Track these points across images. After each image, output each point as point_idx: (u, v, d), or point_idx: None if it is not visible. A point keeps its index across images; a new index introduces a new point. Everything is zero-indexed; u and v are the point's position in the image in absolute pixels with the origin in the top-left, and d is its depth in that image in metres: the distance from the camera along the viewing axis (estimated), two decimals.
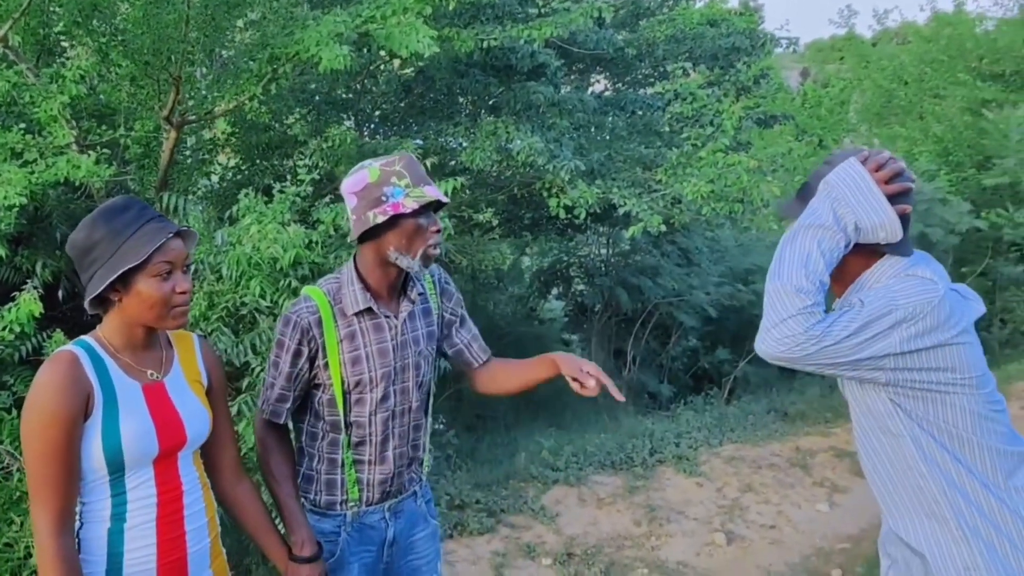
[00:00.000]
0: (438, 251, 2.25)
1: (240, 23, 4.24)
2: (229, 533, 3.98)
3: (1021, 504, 1.81)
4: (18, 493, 3.36)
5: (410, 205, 2.12)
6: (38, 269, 4.14)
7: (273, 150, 5.25)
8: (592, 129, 5.58)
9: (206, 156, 5.12)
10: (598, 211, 4.96)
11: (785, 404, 7.64)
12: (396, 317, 2.28)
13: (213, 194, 5.10)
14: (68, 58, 4.00)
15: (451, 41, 4.07)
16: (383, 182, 2.15)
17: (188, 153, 5.39)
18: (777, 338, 1.75)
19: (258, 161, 5.33)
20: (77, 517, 1.85)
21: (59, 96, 3.56)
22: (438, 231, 2.22)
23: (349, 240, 2.26)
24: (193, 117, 4.53)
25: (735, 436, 6.73)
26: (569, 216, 4.94)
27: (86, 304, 1.90)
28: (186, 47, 4.07)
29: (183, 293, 1.88)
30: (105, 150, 3.80)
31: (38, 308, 2.96)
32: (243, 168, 5.34)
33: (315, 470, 2.34)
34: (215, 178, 5.39)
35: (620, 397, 2.24)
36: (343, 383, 2.23)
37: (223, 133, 5.52)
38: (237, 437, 3.65)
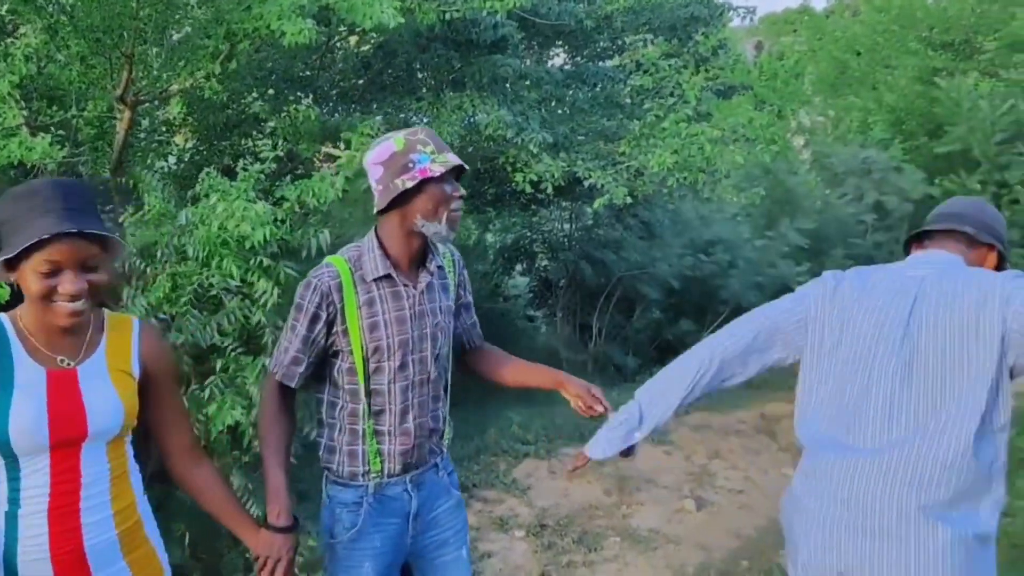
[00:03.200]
0: (459, 214, 2.30)
1: (194, 2, 4.13)
2: (198, 518, 3.96)
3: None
4: None
5: (437, 170, 2.18)
6: None
7: (231, 130, 5.15)
8: (553, 103, 5.57)
9: (162, 137, 5.02)
10: (562, 185, 4.97)
11: None
12: (415, 287, 2.31)
13: (171, 175, 5.00)
14: (17, 37, 3.87)
15: (412, 13, 4.03)
16: (409, 150, 2.21)
17: (143, 135, 5.27)
18: None
19: (215, 142, 5.23)
20: None
21: (8, 76, 3.45)
22: (461, 196, 2.28)
23: (375, 211, 2.28)
24: (147, 96, 4.43)
25: (701, 404, 6.81)
26: (533, 191, 4.94)
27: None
28: (138, 24, 3.97)
29: (68, 294, 1.78)
30: (60, 131, 3.70)
31: (3, 295, 2.89)
32: (201, 149, 5.23)
33: (336, 441, 2.34)
34: (172, 159, 5.28)
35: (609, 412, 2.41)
36: (363, 349, 2.25)
37: (179, 114, 5.40)
38: (193, 419, 3.62)
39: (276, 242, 3.41)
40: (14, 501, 1.79)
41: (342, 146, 3.70)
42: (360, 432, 2.30)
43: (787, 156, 9.87)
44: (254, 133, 5.26)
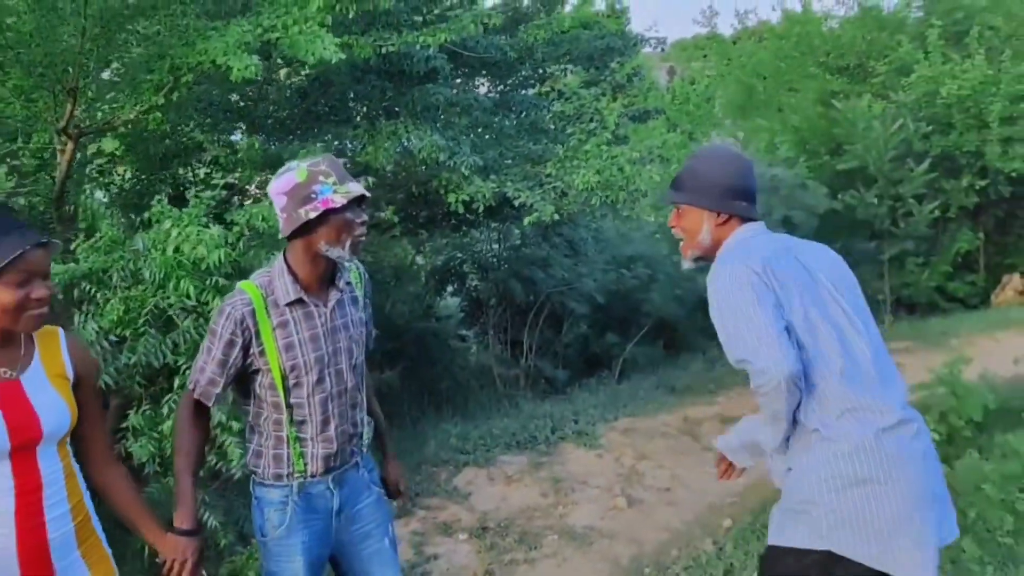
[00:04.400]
0: (364, 240, 2.48)
1: (134, 40, 4.29)
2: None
3: None
4: None
5: (339, 201, 2.33)
6: None
7: (171, 160, 5.29)
8: (481, 128, 5.88)
9: (103, 167, 5.13)
10: (492, 205, 5.28)
11: (672, 379, 8.19)
12: (325, 305, 2.48)
13: (112, 204, 5.11)
14: None
15: (350, 48, 4.27)
16: (312, 181, 2.35)
17: (75, 167, 5.36)
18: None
19: (154, 172, 5.35)
20: None
21: None
22: (364, 223, 2.45)
23: (280, 236, 2.44)
24: (90, 129, 4.57)
25: (628, 411, 7.20)
26: (465, 212, 5.24)
27: None
28: (81, 59, 4.12)
29: (39, 300, 1.98)
30: (13, 162, 3.81)
31: None
32: (142, 178, 5.35)
33: (263, 446, 2.52)
34: (114, 189, 5.38)
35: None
36: (280, 368, 2.42)
37: (116, 149, 5.47)
38: (148, 438, 3.77)
39: (229, 264, 3.61)
40: None
41: None
42: (284, 438, 2.48)
43: None
44: (193, 162, 5.42)
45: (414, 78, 5.37)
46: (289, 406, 2.46)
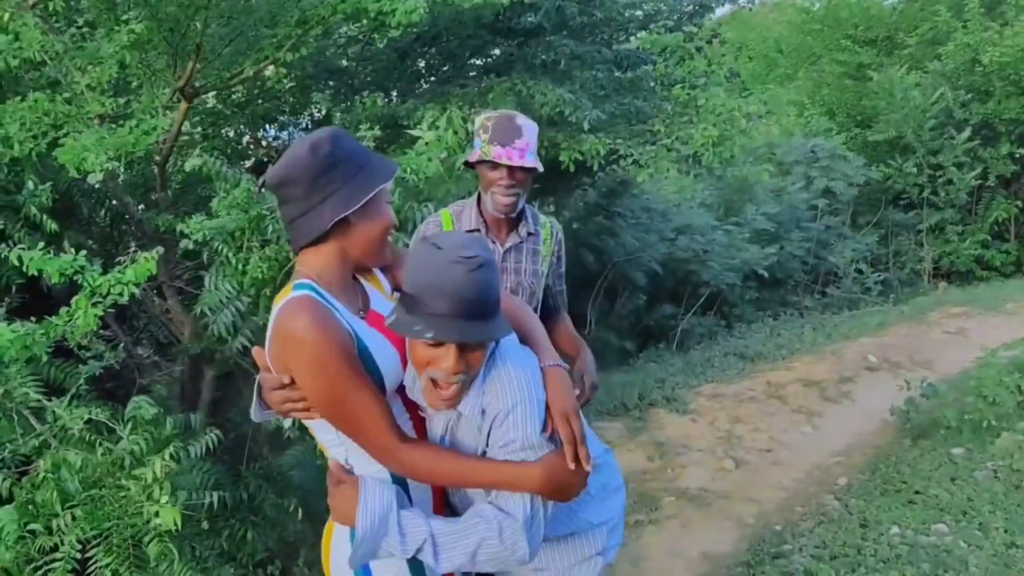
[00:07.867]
0: (506, 199, 2.49)
1: None
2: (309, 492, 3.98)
3: None
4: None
5: (473, 157, 2.49)
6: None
7: (274, 119, 5.18)
8: (593, 83, 5.72)
9: (208, 130, 5.01)
10: (602, 164, 5.19)
11: (739, 347, 8.16)
12: (501, 245, 2.57)
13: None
14: (95, 28, 3.84)
15: None
16: (478, 132, 2.49)
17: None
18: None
19: (256, 133, 5.25)
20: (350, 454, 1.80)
21: (109, 60, 3.46)
22: (508, 185, 2.46)
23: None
24: (207, 88, 4.45)
25: (708, 377, 7.18)
26: (569, 172, 5.14)
27: (306, 239, 1.75)
28: (207, 14, 4.01)
29: (396, 227, 1.88)
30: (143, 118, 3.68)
31: (153, 268, 2.92)
32: (245, 138, 5.22)
33: None
34: (215, 152, 5.25)
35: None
36: None
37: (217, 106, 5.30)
38: None
39: None
40: None
41: (423, 127, 3.81)
42: None
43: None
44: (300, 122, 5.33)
45: (519, 33, 5.27)
46: None
